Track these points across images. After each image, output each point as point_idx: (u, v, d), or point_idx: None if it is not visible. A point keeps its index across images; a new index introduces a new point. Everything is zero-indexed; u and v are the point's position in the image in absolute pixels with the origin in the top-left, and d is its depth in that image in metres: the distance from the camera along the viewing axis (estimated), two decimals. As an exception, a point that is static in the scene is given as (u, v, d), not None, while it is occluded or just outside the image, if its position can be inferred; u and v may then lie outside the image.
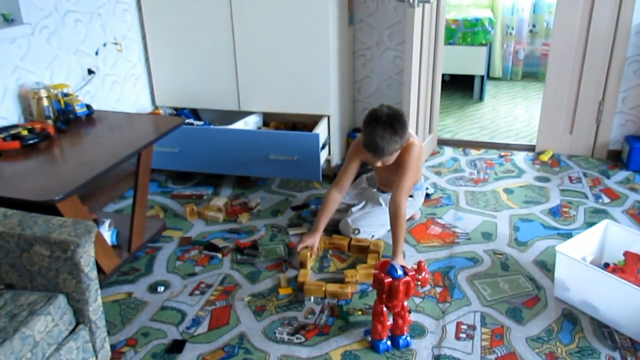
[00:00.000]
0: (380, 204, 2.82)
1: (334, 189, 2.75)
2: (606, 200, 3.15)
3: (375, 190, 2.95)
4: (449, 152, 3.87)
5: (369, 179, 3.08)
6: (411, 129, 2.76)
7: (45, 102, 2.56)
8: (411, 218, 2.97)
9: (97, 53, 3.08)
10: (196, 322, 2.28)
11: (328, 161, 3.43)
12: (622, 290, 2.08)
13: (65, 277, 1.77)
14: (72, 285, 1.77)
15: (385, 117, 2.48)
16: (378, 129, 2.47)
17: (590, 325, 2.19)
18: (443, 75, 3.93)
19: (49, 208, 1.99)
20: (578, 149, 3.75)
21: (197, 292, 2.46)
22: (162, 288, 2.49)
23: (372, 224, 2.78)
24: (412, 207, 2.90)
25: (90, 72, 3.03)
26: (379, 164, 2.60)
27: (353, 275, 2.47)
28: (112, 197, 3.26)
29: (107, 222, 2.61)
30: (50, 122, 2.55)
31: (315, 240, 2.66)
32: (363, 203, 2.87)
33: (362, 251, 2.70)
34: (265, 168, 3.22)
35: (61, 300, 1.75)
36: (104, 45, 3.13)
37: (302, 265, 2.56)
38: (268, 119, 3.59)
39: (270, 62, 3.27)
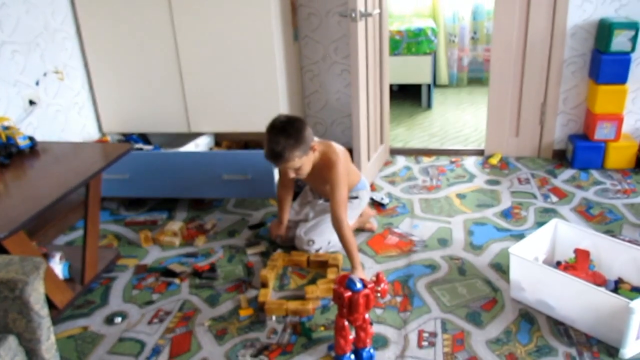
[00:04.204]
0: (329, 212, 2.82)
1: (281, 187, 2.91)
2: (554, 199, 3.24)
3: (321, 201, 2.97)
4: (401, 161, 3.92)
5: (313, 191, 3.09)
6: (332, 141, 2.71)
7: (-15, 137, 2.48)
8: (369, 230, 2.99)
9: (37, 83, 3.01)
10: (156, 351, 2.23)
11: (282, 178, 3.42)
12: (574, 287, 2.14)
13: (14, 317, 1.71)
14: (23, 324, 1.71)
15: (279, 124, 2.47)
16: (272, 135, 2.45)
17: (546, 324, 2.24)
18: (391, 85, 3.98)
19: (-6, 246, 1.93)
20: (525, 150, 3.86)
21: (155, 320, 2.41)
22: (119, 319, 2.43)
23: (324, 232, 2.77)
24: (359, 208, 2.92)
25: (31, 103, 2.95)
26: (291, 174, 2.55)
27: (313, 291, 2.46)
28: (62, 229, 3.17)
29: (58, 256, 2.53)
30: (-9, 157, 2.47)
31: (283, 228, 2.91)
32: (312, 215, 2.88)
33: (322, 266, 2.70)
34: (219, 189, 3.19)
35: (12, 341, 1.69)
36: (45, 74, 3.06)
37: (263, 285, 2.54)
38: (219, 139, 3.57)
39: (217, 82, 3.25)
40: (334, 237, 2.75)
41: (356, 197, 2.90)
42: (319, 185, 2.84)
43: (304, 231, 2.79)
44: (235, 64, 3.19)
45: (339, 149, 2.67)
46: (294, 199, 3.02)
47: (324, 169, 2.62)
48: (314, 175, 2.72)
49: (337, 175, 2.59)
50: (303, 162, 2.50)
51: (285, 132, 2.42)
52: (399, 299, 2.45)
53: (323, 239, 2.77)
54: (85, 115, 3.43)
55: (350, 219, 2.71)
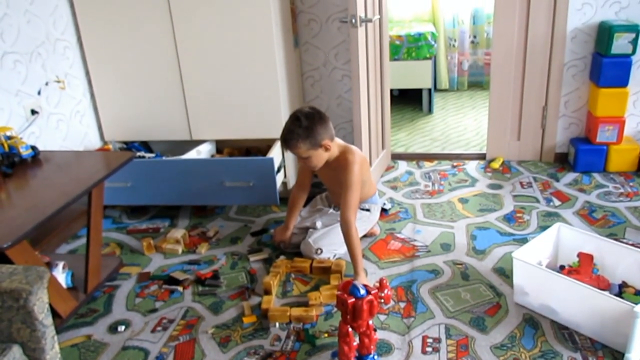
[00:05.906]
0: (339, 222, 2.83)
1: (297, 188, 2.96)
2: (557, 203, 3.23)
3: (332, 210, 2.96)
4: (403, 166, 3.92)
5: (324, 199, 3.10)
6: (354, 146, 2.77)
7: (-12, 147, 2.49)
8: (372, 234, 2.99)
9: (39, 93, 3.02)
10: (160, 359, 2.22)
11: (284, 184, 3.42)
12: (578, 291, 2.13)
13: (19, 327, 1.71)
14: (27, 334, 1.71)
15: (299, 113, 2.58)
16: (289, 121, 2.59)
17: (550, 328, 2.24)
18: (391, 90, 3.98)
19: (-3, 256, 1.93)
20: (526, 154, 3.86)
21: (159, 328, 2.41)
22: (123, 327, 2.42)
23: (333, 242, 2.77)
24: (369, 222, 2.92)
25: (33, 112, 2.96)
26: (300, 161, 2.68)
27: (317, 298, 2.46)
28: (65, 238, 3.17)
29: (61, 264, 2.53)
30: (-6, 166, 2.47)
31: (288, 234, 2.89)
32: (319, 223, 2.88)
33: (325, 272, 2.70)
34: (221, 196, 3.19)
35: (16, 351, 1.68)
36: (46, 84, 3.07)
37: (266, 292, 2.54)
38: (221, 146, 3.57)
39: (218, 89, 3.26)
40: (341, 250, 2.75)
41: (368, 210, 2.91)
42: (335, 187, 2.84)
43: (313, 239, 2.78)
44: (236, 71, 3.19)
45: (358, 154, 2.72)
46: (304, 205, 3.04)
47: (339, 169, 2.66)
48: (330, 176, 2.78)
49: (351, 177, 2.62)
50: (311, 154, 2.59)
51: (298, 122, 2.54)
52: (402, 305, 2.45)
53: (331, 249, 2.77)
54: (87, 123, 3.44)
55: (359, 232, 2.70)
